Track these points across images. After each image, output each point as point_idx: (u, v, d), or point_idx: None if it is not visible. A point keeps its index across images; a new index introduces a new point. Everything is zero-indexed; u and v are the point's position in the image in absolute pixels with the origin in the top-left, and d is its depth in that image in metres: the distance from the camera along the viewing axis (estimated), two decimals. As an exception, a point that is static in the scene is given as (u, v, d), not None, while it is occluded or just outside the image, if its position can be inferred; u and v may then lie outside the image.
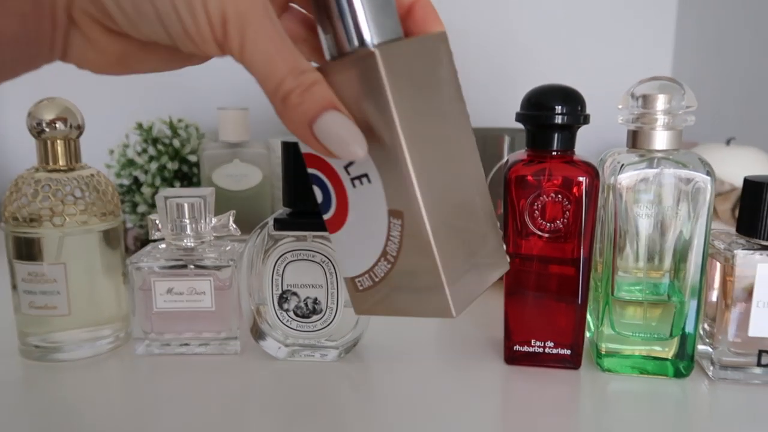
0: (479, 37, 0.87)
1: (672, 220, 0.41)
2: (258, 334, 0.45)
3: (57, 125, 0.44)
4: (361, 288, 0.30)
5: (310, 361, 0.45)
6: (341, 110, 0.25)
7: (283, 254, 0.43)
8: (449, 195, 0.29)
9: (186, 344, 0.46)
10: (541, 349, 0.44)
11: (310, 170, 0.30)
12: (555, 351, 0.43)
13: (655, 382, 0.42)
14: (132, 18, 0.24)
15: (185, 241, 0.45)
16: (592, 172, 0.41)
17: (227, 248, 0.47)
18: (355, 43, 0.26)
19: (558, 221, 0.41)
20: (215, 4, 0.23)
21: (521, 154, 0.43)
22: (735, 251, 0.40)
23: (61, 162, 0.45)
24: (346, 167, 0.28)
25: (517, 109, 0.42)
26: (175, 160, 0.69)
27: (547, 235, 0.42)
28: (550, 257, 0.42)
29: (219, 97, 0.81)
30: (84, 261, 0.45)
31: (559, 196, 0.41)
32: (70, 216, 0.44)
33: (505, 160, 0.60)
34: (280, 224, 0.43)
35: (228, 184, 0.68)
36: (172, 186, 0.69)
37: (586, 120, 0.41)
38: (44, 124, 0.44)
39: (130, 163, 0.69)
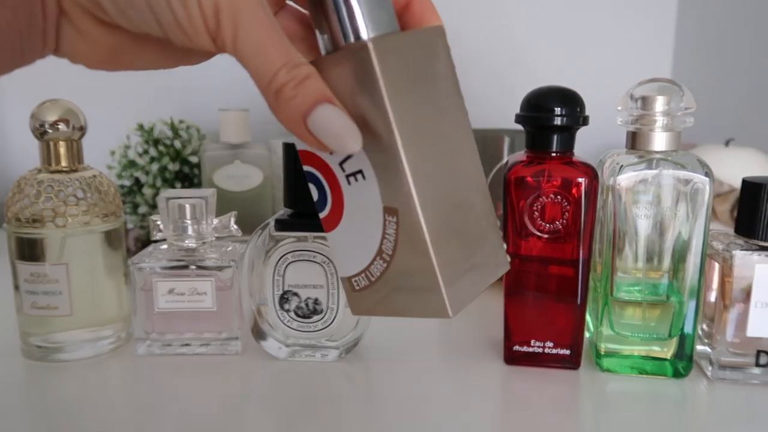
0: (479, 37, 0.87)
1: (671, 221, 0.41)
2: (259, 334, 0.45)
3: (60, 126, 0.44)
4: (357, 288, 0.30)
5: (310, 362, 0.45)
6: (335, 104, 0.25)
7: (284, 255, 0.44)
8: (447, 192, 0.28)
9: (187, 344, 0.46)
10: (540, 350, 0.44)
11: (306, 168, 0.29)
12: (554, 351, 0.44)
13: (654, 382, 0.42)
14: (122, 7, 0.24)
15: (187, 241, 0.45)
16: (591, 173, 0.41)
17: (228, 249, 0.47)
18: (350, 37, 0.26)
19: (557, 222, 0.41)
20: None
21: (521, 155, 0.43)
22: (733, 252, 0.41)
23: (64, 163, 0.45)
24: (341, 164, 0.28)
25: (517, 110, 0.42)
26: (176, 161, 0.69)
27: (546, 235, 0.42)
28: (549, 258, 0.42)
29: (220, 98, 0.81)
30: (86, 261, 0.45)
31: (559, 197, 0.41)
32: (72, 217, 0.44)
33: (504, 161, 0.60)
34: (281, 225, 0.43)
35: (229, 185, 0.68)
36: (173, 187, 0.69)
37: (585, 121, 0.41)
38: (47, 126, 0.44)
39: (132, 164, 0.69)
